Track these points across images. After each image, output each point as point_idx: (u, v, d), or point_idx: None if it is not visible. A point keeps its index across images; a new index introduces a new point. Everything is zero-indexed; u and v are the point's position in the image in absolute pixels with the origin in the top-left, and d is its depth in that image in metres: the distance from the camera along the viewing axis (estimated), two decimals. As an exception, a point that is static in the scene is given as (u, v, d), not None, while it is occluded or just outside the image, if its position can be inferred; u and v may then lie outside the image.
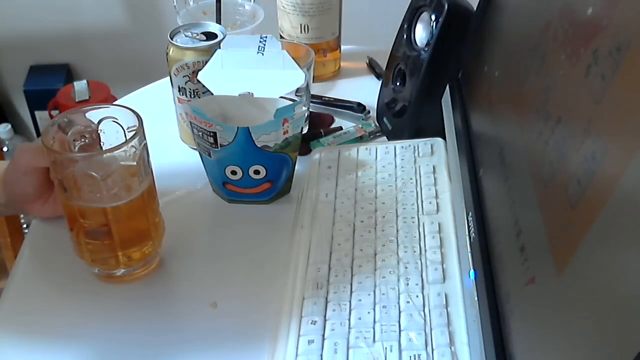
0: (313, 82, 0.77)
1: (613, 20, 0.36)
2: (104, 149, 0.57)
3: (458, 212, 0.58)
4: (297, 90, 0.70)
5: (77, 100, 1.58)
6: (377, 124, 0.79)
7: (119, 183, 0.55)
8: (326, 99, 0.85)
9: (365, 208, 0.63)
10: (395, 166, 0.67)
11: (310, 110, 0.80)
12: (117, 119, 0.56)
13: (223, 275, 0.60)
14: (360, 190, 0.65)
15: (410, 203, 0.62)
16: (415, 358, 0.48)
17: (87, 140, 0.57)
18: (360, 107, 0.82)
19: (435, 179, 0.64)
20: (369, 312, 0.52)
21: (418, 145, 0.69)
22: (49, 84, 1.71)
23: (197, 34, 0.70)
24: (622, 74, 0.33)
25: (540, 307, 0.38)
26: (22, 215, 1.46)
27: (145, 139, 0.55)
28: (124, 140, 0.54)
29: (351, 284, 0.55)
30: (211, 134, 0.62)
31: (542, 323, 0.38)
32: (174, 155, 0.75)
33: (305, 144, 0.73)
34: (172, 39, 0.70)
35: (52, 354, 0.54)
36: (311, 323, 0.51)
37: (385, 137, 0.78)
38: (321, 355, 0.49)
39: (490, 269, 0.47)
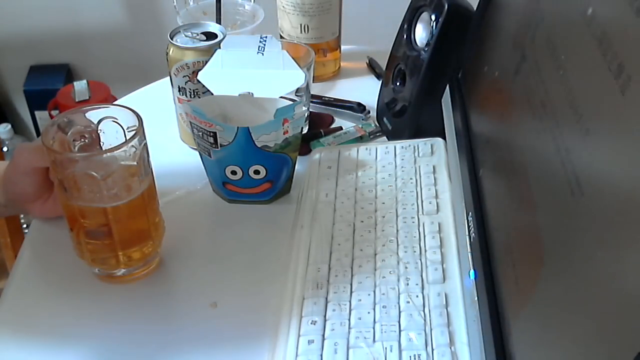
0: (313, 82, 0.77)
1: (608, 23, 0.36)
2: (104, 149, 0.57)
3: (458, 212, 0.58)
4: (297, 90, 0.70)
5: (77, 100, 1.58)
6: (377, 124, 0.79)
7: (119, 183, 0.55)
8: (326, 99, 0.85)
9: (365, 208, 0.63)
10: (395, 166, 0.67)
11: (310, 110, 0.80)
12: (117, 119, 0.56)
13: (223, 275, 0.60)
14: (360, 190, 0.65)
15: (410, 203, 0.62)
16: (415, 358, 0.48)
17: (87, 140, 0.57)
18: (360, 107, 0.82)
19: (435, 179, 0.64)
20: (369, 312, 0.52)
21: (418, 145, 0.69)
22: (49, 84, 1.71)
23: (197, 34, 0.70)
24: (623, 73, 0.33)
25: (540, 307, 0.38)
26: (22, 215, 1.46)
27: (145, 139, 0.55)
28: (124, 140, 0.54)
29: (351, 284, 0.55)
30: (211, 134, 0.62)
31: (542, 323, 0.38)
32: (174, 155, 0.75)
33: (305, 144, 0.73)
34: (172, 39, 0.70)
35: (52, 354, 0.54)
36: (311, 323, 0.51)
37: (385, 137, 0.78)
38: (321, 355, 0.49)
39: (490, 269, 0.47)
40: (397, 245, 0.58)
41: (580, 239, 0.34)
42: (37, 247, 0.65)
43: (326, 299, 0.54)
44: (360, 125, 0.79)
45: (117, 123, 0.56)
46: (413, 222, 0.60)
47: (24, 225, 1.51)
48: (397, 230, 0.59)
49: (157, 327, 0.56)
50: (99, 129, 0.57)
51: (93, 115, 0.56)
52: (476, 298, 0.48)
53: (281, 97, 0.66)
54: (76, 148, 0.56)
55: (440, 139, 0.69)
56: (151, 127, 0.56)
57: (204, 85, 0.66)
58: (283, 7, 0.86)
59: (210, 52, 0.67)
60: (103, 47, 1.76)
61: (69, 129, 0.56)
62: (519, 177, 0.45)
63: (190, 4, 0.87)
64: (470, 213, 0.53)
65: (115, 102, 0.79)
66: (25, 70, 1.77)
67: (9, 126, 1.69)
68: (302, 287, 0.55)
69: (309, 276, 0.56)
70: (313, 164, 0.70)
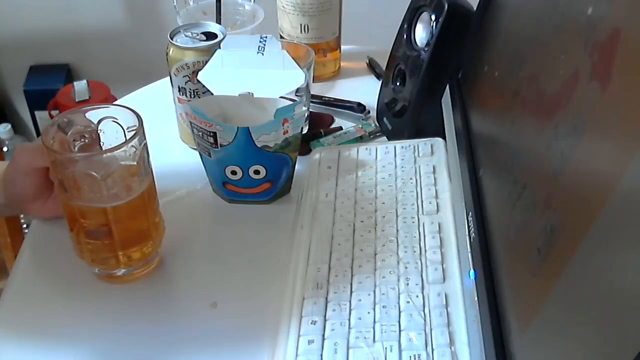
0: (313, 82, 0.77)
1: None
2: (104, 149, 0.57)
3: (458, 212, 0.58)
4: (297, 90, 0.70)
5: (77, 100, 1.58)
6: (377, 124, 0.79)
7: (119, 183, 0.55)
8: (326, 99, 0.85)
9: (365, 208, 0.63)
10: (395, 166, 0.67)
11: (310, 110, 0.80)
12: (117, 119, 0.56)
13: (223, 275, 0.60)
14: (360, 190, 0.65)
15: (410, 203, 0.62)
16: (415, 358, 0.48)
17: (87, 140, 0.57)
18: (360, 107, 0.82)
19: (435, 179, 0.64)
20: (369, 312, 0.52)
21: (418, 145, 0.69)
22: (49, 84, 1.71)
23: (197, 34, 0.70)
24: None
25: (540, 307, 0.38)
26: (22, 215, 1.46)
27: (145, 139, 0.55)
28: (124, 140, 0.54)
29: (351, 284, 0.55)
30: (211, 134, 0.62)
31: (542, 323, 0.38)
32: (174, 155, 0.75)
33: (305, 144, 0.73)
34: (172, 39, 0.70)
35: (52, 354, 0.54)
36: (311, 323, 0.51)
37: (385, 137, 0.78)
38: (321, 355, 0.49)
39: (490, 269, 0.47)
40: (397, 245, 0.58)
41: (581, 238, 0.34)
42: (37, 247, 0.65)
43: (326, 299, 0.54)
44: (360, 125, 0.79)
45: (117, 123, 0.56)
46: (413, 222, 0.60)
47: (24, 225, 1.51)
48: (397, 230, 0.59)
49: (157, 327, 0.56)
50: (99, 129, 0.57)
51: (93, 115, 0.56)
52: (476, 298, 0.48)
53: (281, 97, 0.66)
54: (76, 148, 0.56)
55: (440, 139, 0.69)
56: (151, 127, 0.56)
57: (204, 85, 0.66)
58: (283, 7, 0.86)
59: (210, 52, 0.67)
60: (103, 47, 1.76)
61: (69, 129, 0.56)
62: (519, 177, 0.45)
63: (190, 4, 0.87)
64: (470, 213, 0.53)
65: (115, 102, 0.79)
66: (25, 70, 1.77)
67: (9, 126, 1.69)
68: (302, 287, 0.55)
69: (309, 276, 0.56)
70: (313, 164, 0.70)
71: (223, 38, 0.70)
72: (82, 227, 0.56)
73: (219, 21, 0.81)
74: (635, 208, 0.29)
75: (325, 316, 0.52)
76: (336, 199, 0.64)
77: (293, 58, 0.66)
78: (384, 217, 0.61)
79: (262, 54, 0.67)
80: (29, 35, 1.73)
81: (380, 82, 0.80)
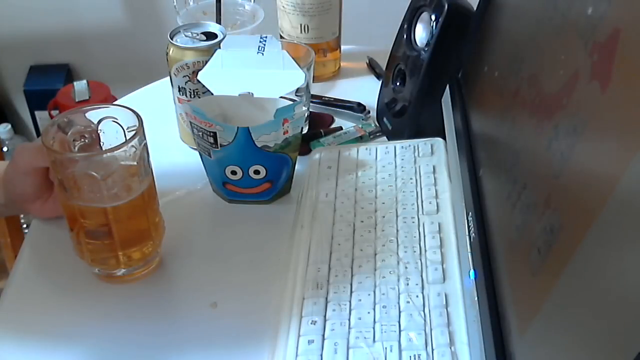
0: (313, 82, 0.77)
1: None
2: (104, 149, 0.57)
3: (458, 212, 0.58)
4: (297, 90, 0.70)
5: (77, 100, 1.58)
6: (377, 124, 0.79)
7: (119, 183, 0.55)
8: (326, 99, 0.85)
9: (365, 208, 0.63)
10: (395, 166, 0.67)
11: (310, 110, 0.80)
12: (117, 119, 0.56)
13: (223, 275, 0.60)
14: (360, 190, 0.65)
15: (410, 203, 0.62)
16: (415, 358, 0.48)
17: (87, 140, 0.57)
18: (360, 107, 0.82)
19: (435, 179, 0.64)
20: (369, 312, 0.52)
21: (418, 145, 0.69)
22: (49, 84, 1.71)
23: (197, 34, 0.70)
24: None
25: (540, 307, 0.38)
26: (22, 215, 1.46)
27: (145, 139, 0.55)
28: (124, 140, 0.54)
29: (351, 284, 0.55)
30: (211, 134, 0.62)
31: (543, 323, 0.38)
32: (174, 155, 0.75)
33: (305, 144, 0.73)
34: (172, 39, 0.70)
35: (52, 354, 0.54)
36: (311, 323, 0.51)
37: (385, 137, 0.78)
38: (321, 355, 0.49)
39: (490, 269, 0.47)
40: (397, 245, 0.58)
41: (580, 238, 0.34)
42: (37, 247, 0.65)
43: (326, 299, 0.54)
44: (360, 125, 0.79)
45: (117, 123, 0.56)
46: (413, 222, 0.60)
47: (24, 225, 1.51)
48: (397, 230, 0.59)
49: (157, 327, 0.56)
50: (99, 129, 0.57)
51: (93, 115, 0.56)
52: (476, 298, 0.48)
53: (281, 97, 0.66)
54: (76, 148, 0.56)
55: (440, 139, 0.69)
56: (151, 127, 0.56)
57: (204, 85, 0.66)
58: (283, 7, 0.86)
59: (210, 52, 0.67)
60: (103, 47, 1.76)
61: (69, 129, 0.56)
62: (519, 177, 0.45)
63: (190, 4, 0.87)
64: (470, 213, 0.53)
65: (115, 102, 0.79)
66: (25, 70, 1.77)
67: (9, 126, 1.69)
68: (302, 287, 0.55)
69: (309, 276, 0.56)
70: (313, 164, 0.70)
71: (223, 38, 0.70)
72: (82, 227, 0.56)
73: (219, 21, 0.81)
74: (635, 208, 0.29)
75: (325, 316, 0.52)
76: (336, 199, 0.64)
77: (293, 58, 0.66)
78: (384, 217, 0.61)
79: (262, 54, 0.67)
80: (29, 35, 1.73)
81: (380, 82, 0.80)
